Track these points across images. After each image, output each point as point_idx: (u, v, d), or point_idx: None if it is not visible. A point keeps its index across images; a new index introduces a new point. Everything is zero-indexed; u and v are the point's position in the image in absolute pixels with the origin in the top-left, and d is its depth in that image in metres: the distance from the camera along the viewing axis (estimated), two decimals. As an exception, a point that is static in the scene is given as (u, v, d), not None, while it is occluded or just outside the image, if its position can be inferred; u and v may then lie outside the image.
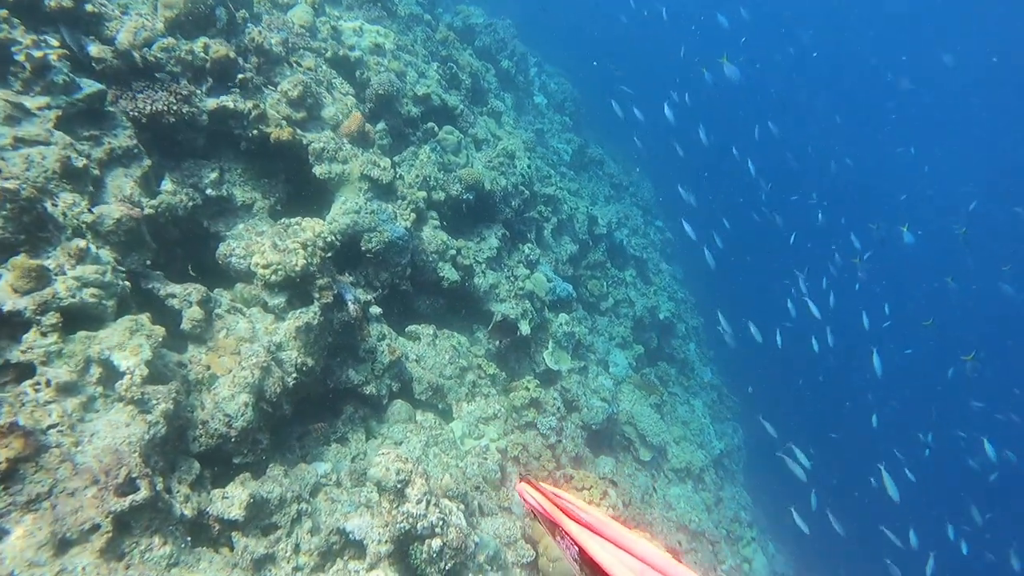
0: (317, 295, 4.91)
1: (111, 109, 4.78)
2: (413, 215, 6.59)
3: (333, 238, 5.07)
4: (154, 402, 3.79)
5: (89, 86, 4.55)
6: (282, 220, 5.17)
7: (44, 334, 3.58)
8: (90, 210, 4.23)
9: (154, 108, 4.95)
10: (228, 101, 5.32)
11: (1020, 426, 17.64)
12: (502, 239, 8.31)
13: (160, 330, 4.05)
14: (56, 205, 4.07)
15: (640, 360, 11.17)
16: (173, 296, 4.54)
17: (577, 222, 11.26)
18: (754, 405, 16.17)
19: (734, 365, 17.93)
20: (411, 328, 6.56)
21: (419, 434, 5.52)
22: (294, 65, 6.20)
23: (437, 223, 7.20)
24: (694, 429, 10.91)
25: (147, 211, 4.72)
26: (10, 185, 3.70)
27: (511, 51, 14.30)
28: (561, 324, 8.50)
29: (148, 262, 4.53)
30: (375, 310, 6.10)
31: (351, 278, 6.09)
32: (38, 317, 3.57)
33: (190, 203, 5.14)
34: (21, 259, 3.60)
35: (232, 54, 5.43)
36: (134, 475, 3.37)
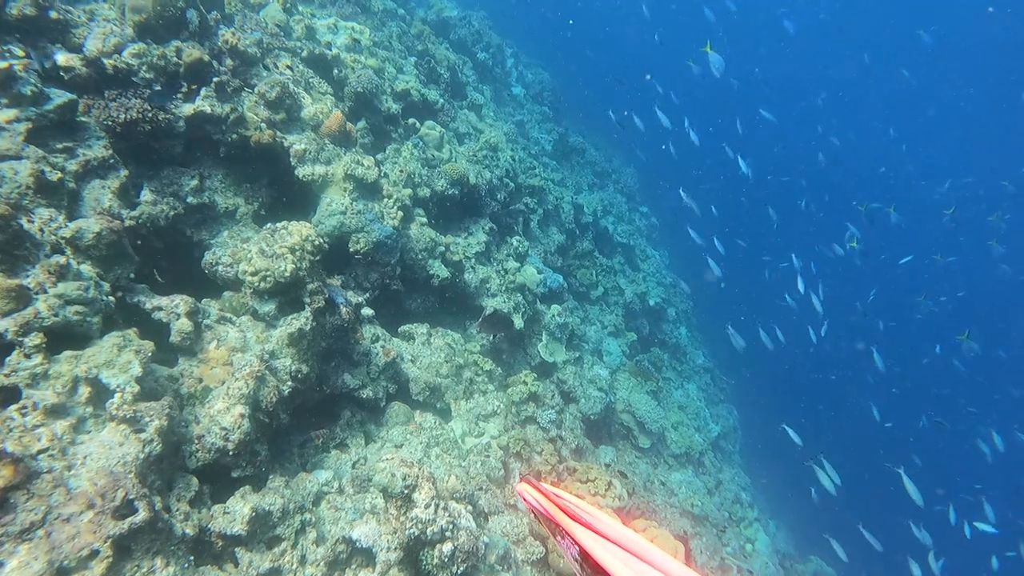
0: (308, 300, 4.80)
1: (84, 119, 4.62)
2: (400, 213, 6.48)
3: (321, 241, 4.96)
4: (147, 419, 3.67)
5: (59, 96, 4.39)
6: (268, 225, 5.04)
7: (28, 356, 3.45)
8: (68, 225, 4.09)
9: (128, 116, 4.79)
10: (205, 106, 5.17)
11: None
12: (490, 233, 8.22)
13: (149, 345, 3.93)
14: (32, 221, 3.93)
15: (633, 347, 11.15)
16: (160, 309, 4.42)
17: (563, 212, 11.19)
18: (748, 386, 16.30)
19: (725, 346, 18.03)
20: (404, 328, 6.47)
21: (419, 435, 5.44)
22: (270, 66, 6.04)
23: (424, 220, 7.09)
24: (691, 413, 10.92)
25: (127, 223, 4.59)
26: (-17, 203, 3.56)
27: (487, 43, 14.16)
28: (554, 315, 8.44)
29: (132, 275, 4.39)
30: (367, 312, 6.01)
31: (341, 280, 5.99)
32: (20, 338, 3.44)
33: (171, 212, 5.00)
34: (-1, 279, 3.47)
35: (206, 57, 5.28)
36: (131, 496, 3.27)
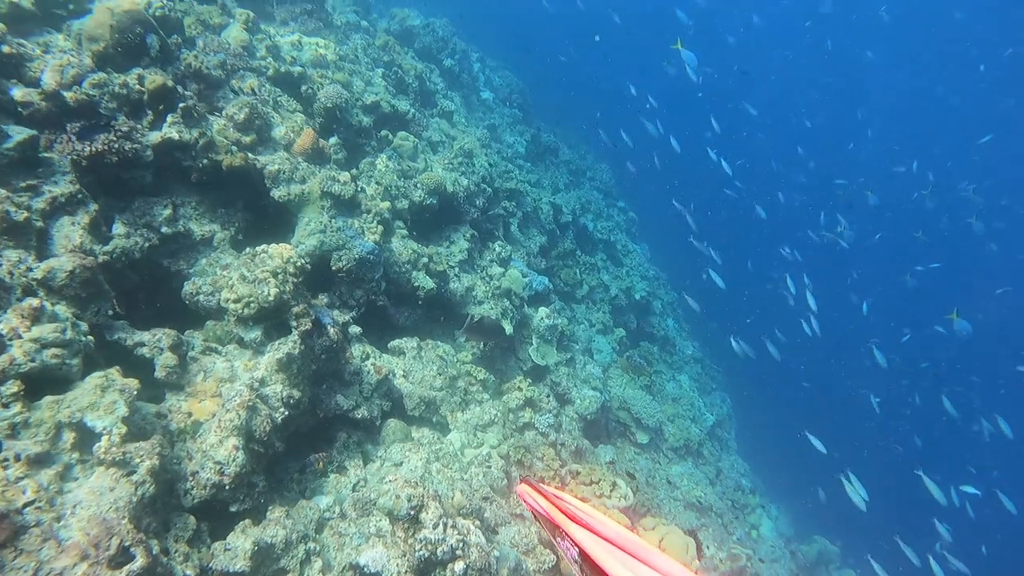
0: (295, 323, 4.68)
1: (47, 155, 4.47)
2: (380, 227, 6.38)
3: (303, 262, 4.85)
4: (137, 460, 3.54)
5: (19, 133, 4.24)
6: (247, 250, 4.92)
7: (6, 405, 3.31)
8: (39, 265, 3.94)
9: (93, 149, 4.65)
10: (173, 132, 5.04)
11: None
12: (471, 240, 8.15)
13: (133, 382, 3.80)
14: (0, 264, 3.78)
15: (622, 343, 11.13)
16: (142, 344, 4.28)
17: (542, 213, 11.15)
18: (738, 371, 16.39)
19: (712, 334, 18.17)
20: (394, 343, 6.36)
21: (418, 451, 5.34)
22: (237, 88, 5.92)
23: (405, 232, 7.00)
24: (685, 405, 10.92)
25: (101, 258, 4.45)
26: (-53, 250, 3.42)
27: (452, 49, 14.06)
28: (542, 318, 8.38)
29: (110, 312, 4.25)
30: (355, 330, 5.90)
31: (326, 300, 5.88)
32: (-3, 388, 3.29)
33: (146, 244, 4.86)
34: (-30, 328, 3.33)
35: (170, 82, 5.15)
36: (127, 543, 3.14)
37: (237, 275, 4.57)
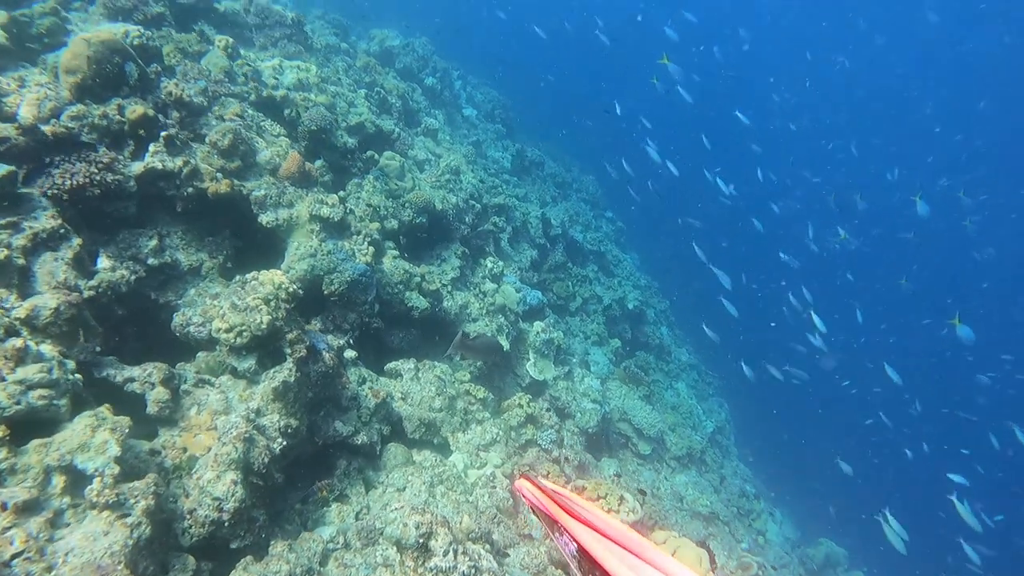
0: (289, 350, 4.57)
1: (26, 191, 4.36)
2: (371, 249, 6.29)
3: (295, 287, 4.74)
4: (132, 501, 3.41)
5: (-3, 169, 4.13)
6: (237, 278, 4.81)
7: (-8, 452, 3.17)
8: (21, 304, 3.82)
9: (74, 182, 4.54)
10: (156, 162, 4.94)
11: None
12: (462, 257, 8.08)
13: (125, 420, 3.67)
14: (-18, 305, 3.66)
15: (618, 353, 11.06)
16: (132, 380, 4.15)
17: (531, 227, 11.11)
18: (732, 374, 16.35)
19: (706, 339, 18.15)
20: (390, 366, 6.24)
21: (421, 475, 5.21)
22: (219, 114, 5.83)
23: (396, 252, 6.91)
24: (684, 412, 10.84)
25: (86, 294, 4.32)
26: (-76, 292, 3.29)
27: (433, 68, 14.09)
28: (538, 332, 8.30)
29: (98, 348, 4.12)
30: (350, 354, 5.78)
31: (319, 325, 5.76)
32: (-18, 434, 3.16)
33: (132, 277, 4.73)
34: (-49, 373, 3.20)
35: (151, 112, 5.06)
36: (125, 590, 3.00)
37: (228, 304, 4.46)
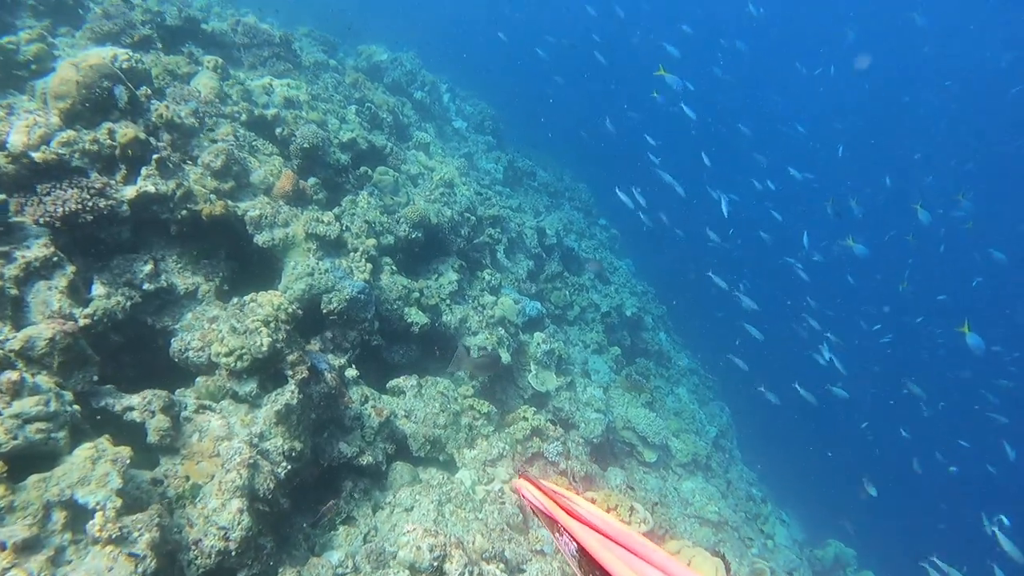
0: (290, 372, 4.49)
1: (18, 219, 4.28)
2: (369, 265, 6.22)
3: (294, 308, 4.67)
4: (136, 534, 3.31)
5: (-13, 199, 4.05)
6: (234, 300, 4.74)
7: (-10, 490, 3.08)
8: (15, 335, 3.73)
9: (66, 209, 4.45)
10: (148, 185, 4.86)
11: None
12: (460, 270, 8.02)
13: (126, 451, 3.57)
14: (-25, 339, 3.57)
15: (618, 361, 11.00)
16: (132, 409, 4.05)
17: (526, 237, 11.07)
18: (735, 380, 16.33)
19: (702, 340, 18.18)
20: (392, 383, 6.17)
21: (428, 494, 5.12)
22: (211, 136, 5.77)
23: (393, 268, 6.85)
24: (687, 418, 10.79)
25: (82, 322, 4.24)
26: (-84, 328, 3.20)
27: (421, 81, 14.10)
28: (538, 344, 8.24)
29: (95, 377, 4.03)
30: (351, 373, 5.70)
31: (319, 345, 5.68)
32: (-22, 472, 3.06)
33: (128, 303, 4.65)
34: (-54, 410, 3.11)
35: (142, 135, 4.99)
36: (132, 628, 2.90)
37: (227, 327, 4.38)
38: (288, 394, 4.40)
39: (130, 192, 4.83)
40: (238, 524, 3.69)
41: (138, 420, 4.05)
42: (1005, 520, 9.00)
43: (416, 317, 6.63)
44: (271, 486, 4.01)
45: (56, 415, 3.48)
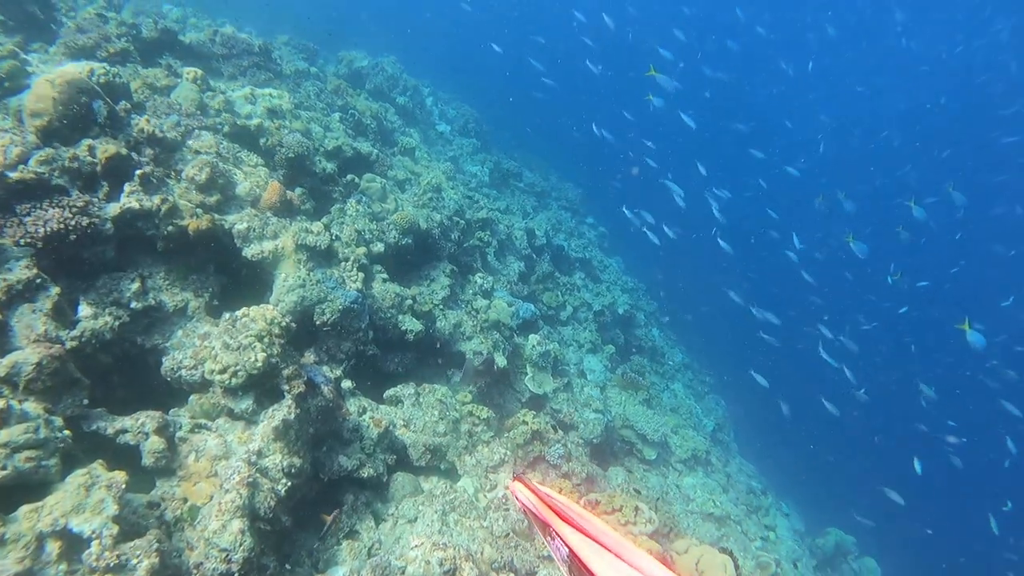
0: (287, 387, 4.40)
1: (-2, 242, 4.15)
2: (360, 274, 6.13)
3: (287, 321, 4.58)
4: (134, 561, 3.21)
5: (-35, 222, 3.93)
6: (225, 315, 4.63)
7: (-20, 524, 2.97)
8: (0, 361, 3.61)
9: (48, 229, 4.33)
10: (132, 201, 4.75)
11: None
12: (451, 275, 7.93)
13: (121, 475, 3.47)
14: (-42, 367, 3.46)
15: (613, 360, 10.96)
16: (125, 431, 3.95)
17: (516, 239, 11.01)
18: (728, 372, 16.38)
19: (694, 333, 18.22)
20: (390, 392, 6.07)
21: (432, 504, 5.04)
22: (194, 149, 5.66)
23: (385, 276, 6.76)
24: (684, 414, 10.78)
25: (69, 345, 4.12)
26: None
27: (404, 86, 14.01)
28: (533, 346, 8.18)
29: (85, 401, 3.92)
30: (347, 384, 5.61)
31: (313, 357, 5.59)
32: (-32, 506, 2.95)
33: (116, 323, 4.53)
34: (-69, 443, 2.99)
35: (123, 150, 4.87)
36: (135, 660, 2.81)
37: (220, 343, 4.28)
38: (285, 409, 4.31)
39: (114, 209, 4.72)
40: (240, 545, 3.60)
41: (132, 443, 3.94)
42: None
43: (410, 324, 6.55)
44: (272, 504, 3.92)
45: (46, 442, 3.37)
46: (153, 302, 4.86)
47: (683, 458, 9.25)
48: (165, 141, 5.45)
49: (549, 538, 1.82)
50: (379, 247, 6.99)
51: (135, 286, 4.77)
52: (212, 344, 4.34)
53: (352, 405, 5.38)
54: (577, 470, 6.85)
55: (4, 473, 3.14)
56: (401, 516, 4.93)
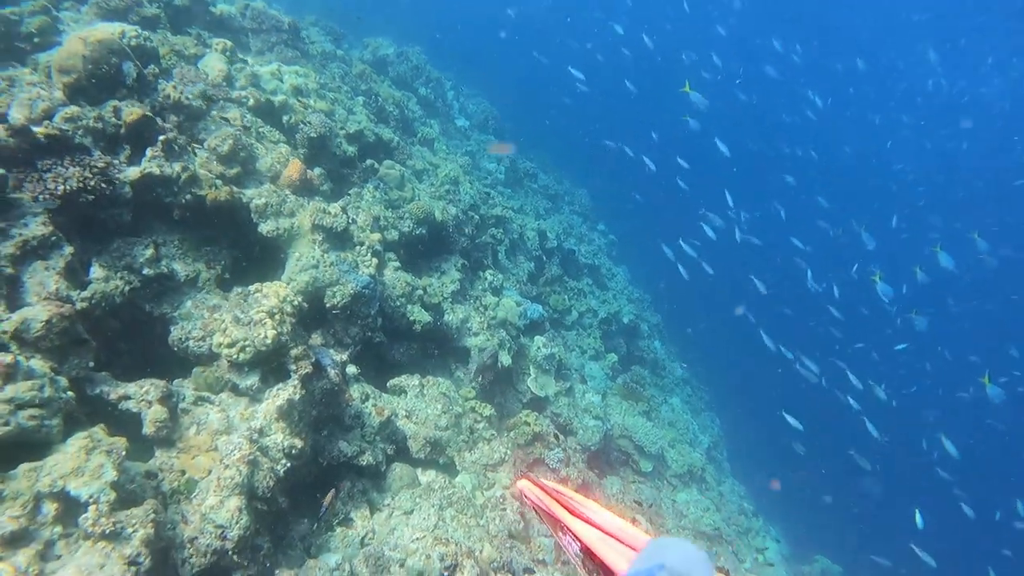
0: (294, 367, 4.34)
1: (16, 196, 4.10)
2: (374, 260, 6.08)
3: (299, 300, 4.53)
4: (130, 530, 3.16)
5: (-15, 172, 3.88)
6: (237, 289, 4.59)
7: (-22, 478, 2.92)
8: (10, 316, 3.56)
9: (67, 187, 4.27)
10: (153, 167, 4.70)
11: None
12: (462, 269, 7.88)
13: (121, 442, 3.42)
14: (-32, 318, 3.41)
15: (614, 368, 10.90)
16: (128, 398, 3.89)
17: (528, 239, 10.95)
18: (725, 390, 16.30)
19: (695, 350, 18.12)
20: (394, 382, 6.02)
21: (429, 498, 4.98)
22: (219, 118, 5.60)
23: (397, 264, 6.70)
24: (681, 429, 10.71)
25: (79, 305, 4.06)
26: (-93, 304, 3.04)
27: (427, 77, 13.96)
28: (539, 347, 8.12)
29: (91, 364, 3.86)
30: (352, 370, 5.55)
31: (320, 340, 5.53)
32: (-32, 459, 2.90)
33: (127, 288, 4.47)
34: (-65, 392, 2.94)
35: (149, 114, 4.82)
36: (125, 631, 2.75)
37: (230, 317, 4.23)
38: (291, 389, 4.25)
39: (134, 173, 4.67)
40: (236, 523, 3.55)
41: (134, 410, 3.89)
42: None
43: (419, 315, 6.49)
44: (270, 484, 3.86)
45: (50, 401, 3.32)
46: (165, 270, 4.80)
47: (679, 473, 9.19)
48: (190, 109, 5.40)
49: (560, 534, 1.80)
50: (393, 235, 6.94)
51: (148, 252, 4.72)
52: (222, 317, 4.29)
53: (355, 391, 5.33)
54: (574, 476, 6.80)
55: (7, 429, 3.09)
56: (397, 507, 4.87)
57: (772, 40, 19.21)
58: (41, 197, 4.18)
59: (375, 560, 4.12)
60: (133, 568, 3.06)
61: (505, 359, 7.31)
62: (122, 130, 4.73)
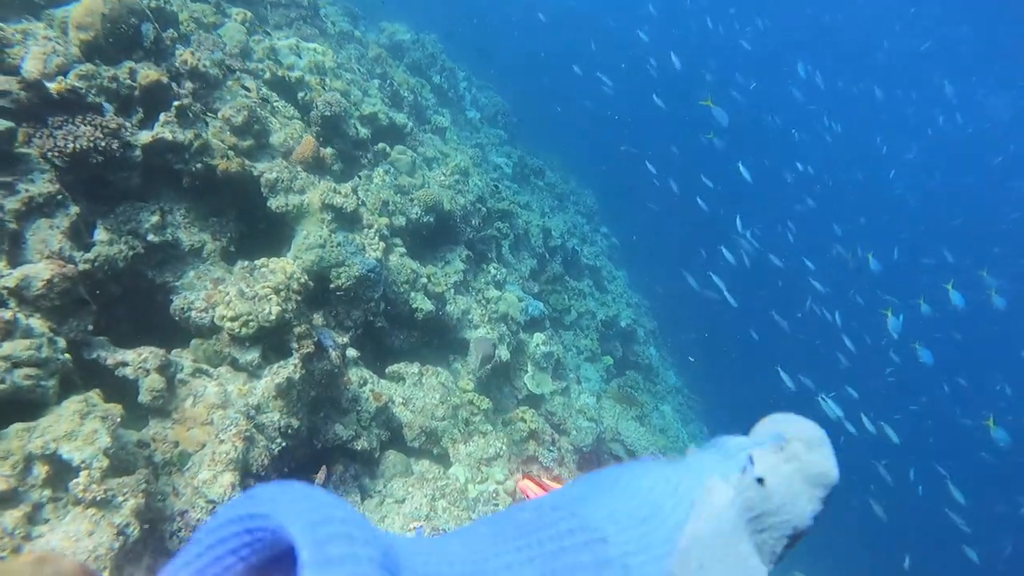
0: (295, 345, 4.27)
1: (24, 150, 4.01)
2: (382, 244, 6.00)
3: (306, 278, 4.45)
4: (120, 499, 3.09)
5: (-5, 124, 3.78)
6: (243, 263, 4.51)
7: (-30, 435, 2.84)
8: (11, 272, 3.48)
9: (77, 146, 4.19)
10: (166, 132, 4.61)
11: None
12: (466, 260, 7.81)
13: (117, 408, 3.34)
14: (-31, 270, 3.32)
15: (609, 371, 10.86)
16: (125, 364, 3.81)
17: (532, 236, 10.90)
18: (715, 401, 16.29)
19: (685, 358, 18.09)
20: (393, 368, 5.95)
21: (422, 487, 4.92)
22: (236, 88, 5.51)
23: (403, 251, 6.63)
24: (671, 437, 10.67)
25: (82, 267, 3.98)
26: (-92, 251, 2.95)
27: (441, 66, 13.88)
28: (538, 345, 8.06)
29: (90, 327, 3.78)
30: (351, 353, 5.48)
31: (321, 320, 5.45)
32: (-39, 415, 2.82)
33: (130, 252, 4.39)
34: (-68, 343, 2.86)
35: (165, 78, 4.73)
36: (110, 601, 2.68)
37: (235, 291, 4.15)
38: (291, 368, 4.18)
39: (146, 137, 4.58)
40: (228, 499, 3.47)
41: (131, 377, 3.81)
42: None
43: (422, 303, 6.42)
44: (265, 462, 3.80)
45: (47, 362, 3.24)
46: (170, 238, 4.71)
47: (668, 481, 9.12)
48: (207, 77, 5.31)
49: None
50: (401, 220, 6.87)
51: (155, 219, 4.63)
52: (227, 290, 4.21)
53: (354, 375, 5.25)
54: (566, 476, 6.74)
55: (2, 387, 3.01)
56: (389, 495, 4.81)
57: (796, 63, 19.20)
58: (50, 154, 4.10)
59: (364, 547, 4.05)
60: (122, 538, 2.99)
61: (504, 354, 7.25)
62: (136, 92, 4.64)
